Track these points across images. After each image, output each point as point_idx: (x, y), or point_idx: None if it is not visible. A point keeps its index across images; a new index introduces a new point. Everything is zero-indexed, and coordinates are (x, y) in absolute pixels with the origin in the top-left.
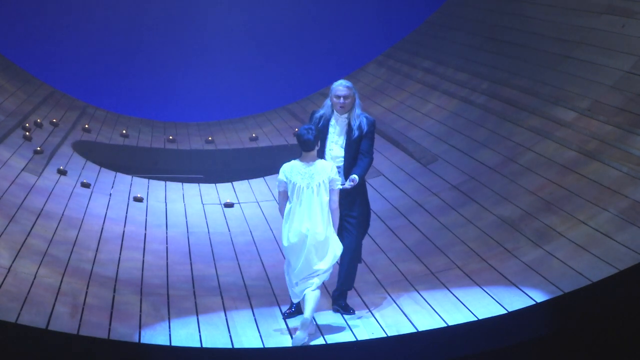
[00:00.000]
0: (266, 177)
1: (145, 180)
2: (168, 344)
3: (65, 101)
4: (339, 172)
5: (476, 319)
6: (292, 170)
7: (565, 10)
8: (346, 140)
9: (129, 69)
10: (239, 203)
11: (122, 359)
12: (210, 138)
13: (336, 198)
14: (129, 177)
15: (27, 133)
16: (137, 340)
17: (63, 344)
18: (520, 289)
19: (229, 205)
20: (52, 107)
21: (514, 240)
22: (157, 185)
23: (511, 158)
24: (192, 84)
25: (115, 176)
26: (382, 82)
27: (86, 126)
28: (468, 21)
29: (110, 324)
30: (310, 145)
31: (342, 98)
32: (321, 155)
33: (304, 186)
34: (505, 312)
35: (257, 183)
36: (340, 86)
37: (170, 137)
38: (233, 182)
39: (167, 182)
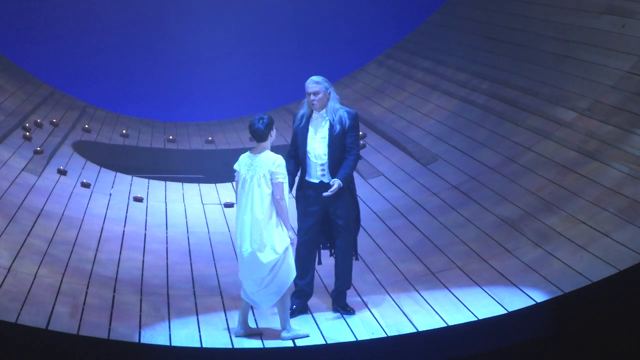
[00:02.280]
0: None
1: (145, 180)
2: (168, 344)
3: (65, 101)
4: (322, 170)
5: (476, 319)
6: (241, 161)
7: (565, 10)
8: (329, 136)
9: (129, 69)
10: None
11: (122, 359)
12: (210, 138)
13: (279, 192)
14: (129, 177)
15: (27, 133)
16: (137, 341)
17: (63, 344)
18: (520, 289)
19: (229, 205)
20: (52, 107)
21: (514, 240)
22: (157, 185)
23: (511, 158)
24: (192, 84)
25: (115, 176)
26: (382, 82)
27: (86, 126)
28: (468, 21)
29: (110, 324)
30: (259, 134)
31: (312, 95)
32: (303, 154)
33: (248, 178)
34: (505, 312)
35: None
36: (311, 83)
37: (170, 137)
38: (233, 182)
39: (167, 182)
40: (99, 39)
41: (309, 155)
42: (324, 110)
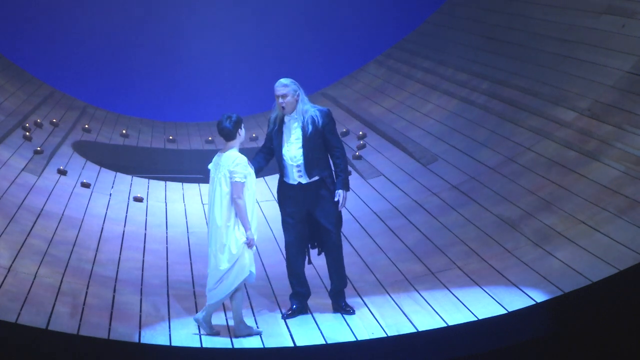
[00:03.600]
0: (266, 177)
1: (145, 180)
2: (168, 344)
3: (65, 101)
4: (299, 171)
5: (476, 319)
6: (213, 160)
7: (566, 10)
8: (302, 138)
9: (129, 69)
10: None
11: (122, 359)
12: (210, 138)
13: (237, 191)
14: (129, 177)
15: (27, 133)
16: (137, 341)
17: (63, 344)
18: (520, 289)
19: None
20: (52, 107)
21: (514, 240)
22: (157, 185)
23: (511, 158)
24: (192, 83)
25: (115, 176)
26: (382, 82)
27: (86, 126)
28: (468, 21)
29: (110, 324)
30: (227, 133)
31: (280, 97)
32: (280, 157)
33: (214, 177)
34: (505, 312)
35: (257, 183)
36: (279, 85)
37: (170, 137)
38: None
39: (167, 182)
40: (99, 39)
41: (284, 158)
42: (294, 113)
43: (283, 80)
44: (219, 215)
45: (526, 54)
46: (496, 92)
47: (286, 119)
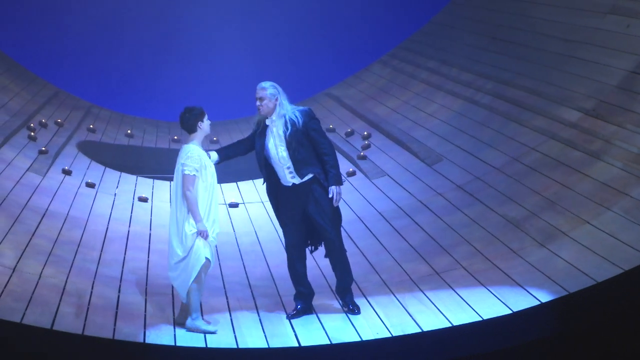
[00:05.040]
0: None
1: (150, 180)
2: (173, 344)
3: (69, 101)
4: (290, 172)
5: (481, 319)
6: None
7: (570, 11)
8: (285, 139)
9: (134, 69)
10: (243, 203)
11: (127, 359)
12: (215, 138)
13: (186, 183)
14: (133, 177)
15: (32, 133)
16: (142, 340)
17: (68, 344)
18: (525, 289)
19: (234, 205)
20: (56, 107)
21: (518, 240)
22: (161, 185)
23: (516, 158)
24: (197, 84)
25: (120, 176)
26: (386, 82)
27: (91, 126)
28: (473, 21)
29: (115, 324)
30: (186, 126)
31: (257, 100)
32: (268, 160)
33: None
34: (510, 312)
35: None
36: (257, 88)
37: (175, 137)
38: (238, 182)
39: (172, 182)
40: (103, 39)
41: (273, 161)
42: (274, 116)
43: (262, 84)
44: (173, 206)
45: (531, 54)
46: (501, 92)
47: (268, 122)
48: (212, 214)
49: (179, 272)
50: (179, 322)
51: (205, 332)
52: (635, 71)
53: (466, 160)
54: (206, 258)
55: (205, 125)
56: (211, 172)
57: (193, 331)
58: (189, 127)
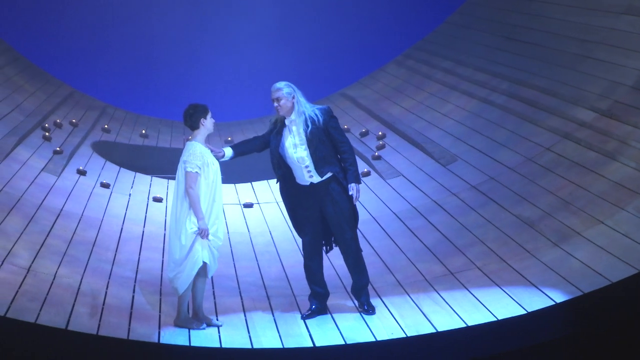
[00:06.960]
0: None
1: (165, 181)
2: (187, 344)
3: (84, 101)
4: (309, 172)
5: (496, 320)
6: None
7: (585, 11)
8: (306, 138)
9: (149, 69)
10: (258, 203)
11: (142, 359)
12: (229, 138)
13: (188, 181)
14: (148, 177)
15: (47, 133)
16: (156, 341)
17: (82, 344)
18: (540, 290)
19: (249, 205)
20: (71, 107)
21: (533, 240)
22: None
23: (531, 158)
24: (212, 84)
25: (134, 176)
26: (401, 83)
27: (105, 126)
28: (488, 21)
29: (129, 324)
30: (187, 120)
31: (274, 101)
32: (284, 160)
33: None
34: (525, 312)
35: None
36: (273, 89)
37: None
38: (252, 183)
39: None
40: (119, 39)
41: (290, 160)
42: (293, 115)
43: (277, 84)
44: (174, 204)
45: (546, 54)
46: (516, 93)
47: (287, 121)
48: (213, 212)
49: (177, 274)
50: (201, 324)
51: (196, 329)
52: None
53: (481, 160)
54: (204, 261)
55: (208, 122)
56: (214, 170)
57: (185, 327)
58: (192, 124)
